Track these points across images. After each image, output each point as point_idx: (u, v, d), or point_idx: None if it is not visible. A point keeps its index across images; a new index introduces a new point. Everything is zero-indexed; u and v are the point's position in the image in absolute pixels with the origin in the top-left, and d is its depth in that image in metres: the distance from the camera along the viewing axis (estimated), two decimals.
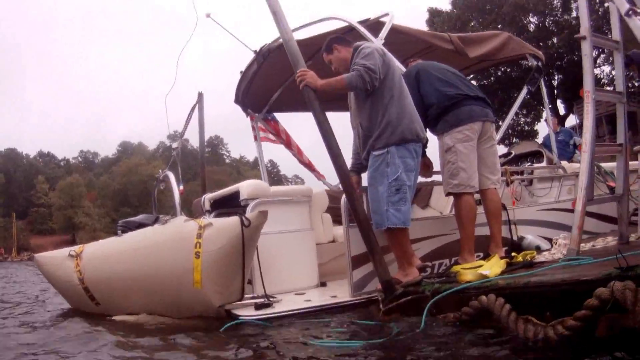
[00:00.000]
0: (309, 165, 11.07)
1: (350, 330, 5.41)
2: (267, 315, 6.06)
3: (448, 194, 6.82)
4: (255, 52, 8.61)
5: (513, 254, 6.39)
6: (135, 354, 4.61)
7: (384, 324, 5.36)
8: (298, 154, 11.02)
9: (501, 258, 5.95)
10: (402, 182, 5.98)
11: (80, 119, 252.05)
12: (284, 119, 11.06)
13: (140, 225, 7.03)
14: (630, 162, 6.66)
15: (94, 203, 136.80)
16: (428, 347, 4.26)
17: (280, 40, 6.87)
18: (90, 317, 6.62)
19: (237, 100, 10.30)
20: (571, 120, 35.64)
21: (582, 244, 5.74)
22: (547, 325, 3.92)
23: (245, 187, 7.33)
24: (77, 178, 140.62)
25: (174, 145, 9.58)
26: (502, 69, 37.52)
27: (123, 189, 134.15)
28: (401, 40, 7.64)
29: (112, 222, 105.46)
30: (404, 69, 6.97)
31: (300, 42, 6.49)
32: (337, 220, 8.21)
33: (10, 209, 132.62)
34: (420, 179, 6.95)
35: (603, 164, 9.51)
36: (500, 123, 9.40)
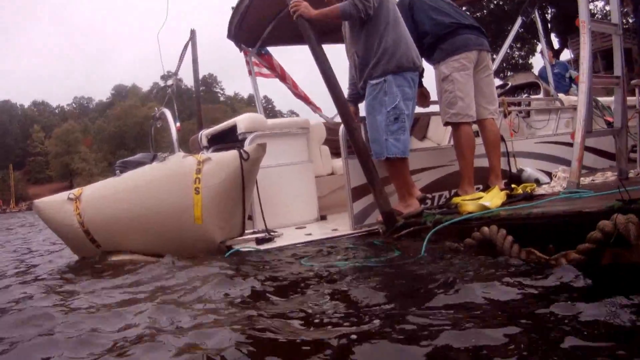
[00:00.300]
0: (304, 98, 11.02)
1: (351, 254, 5.42)
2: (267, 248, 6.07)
3: (446, 124, 6.76)
4: None
5: (513, 186, 6.39)
6: (137, 287, 4.61)
7: (387, 246, 5.44)
8: (293, 87, 10.96)
9: (501, 190, 5.96)
10: (400, 111, 5.94)
11: (72, 65, 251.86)
12: (278, 53, 11.00)
13: (139, 164, 6.98)
14: (627, 98, 6.61)
15: (90, 148, 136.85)
16: (428, 267, 4.29)
17: None
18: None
19: (229, 36, 10.20)
20: (566, 55, 35.43)
21: (581, 178, 5.72)
22: (550, 258, 3.93)
23: (242, 121, 7.30)
24: (72, 124, 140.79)
25: (169, 82, 9.53)
26: (495, 2, 37.22)
27: (119, 132, 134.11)
28: None
29: (109, 166, 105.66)
30: None
31: None
32: (334, 153, 8.21)
33: (7, 161, 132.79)
34: (418, 110, 6.90)
35: (599, 98, 9.48)
36: (495, 56, 9.34)
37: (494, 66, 8.18)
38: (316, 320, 3.09)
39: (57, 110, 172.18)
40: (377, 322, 2.90)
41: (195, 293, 4.04)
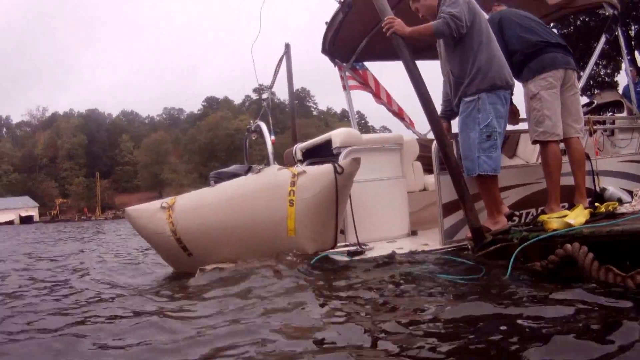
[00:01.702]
0: (398, 114, 11.04)
1: (440, 267, 5.50)
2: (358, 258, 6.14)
3: (534, 142, 6.78)
4: (339, 1, 8.56)
5: (596, 204, 6.37)
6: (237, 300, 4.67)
7: (474, 264, 5.45)
8: (388, 102, 10.98)
9: (585, 208, 5.93)
10: (493, 129, 5.98)
11: (164, 76, 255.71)
12: (373, 67, 11.03)
13: (233, 175, 7.07)
14: None
15: (180, 159, 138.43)
16: (512, 289, 4.33)
17: None
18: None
19: (324, 51, 10.29)
20: None
21: None
22: (626, 275, 3.96)
23: (338, 135, 7.34)
24: (163, 135, 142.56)
25: (264, 96, 9.69)
26: (581, 19, 36.57)
27: (210, 144, 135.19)
28: None
29: (200, 177, 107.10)
30: (486, 16, 6.88)
31: None
32: (426, 169, 8.20)
33: (94, 169, 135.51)
34: (507, 127, 6.90)
35: None
36: (581, 73, 9.24)
37: (581, 84, 8.16)
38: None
39: (146, 120, 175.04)
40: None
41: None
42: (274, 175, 6.51)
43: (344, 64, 10.64)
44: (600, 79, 39.26)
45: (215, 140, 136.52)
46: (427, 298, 4.16)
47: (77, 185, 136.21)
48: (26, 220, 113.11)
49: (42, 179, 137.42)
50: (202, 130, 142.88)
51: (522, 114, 6.93)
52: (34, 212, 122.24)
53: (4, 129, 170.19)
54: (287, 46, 11.21)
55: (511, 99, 6.45)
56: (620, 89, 14.59)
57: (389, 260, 5.88)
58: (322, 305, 3.96)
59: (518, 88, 6.65)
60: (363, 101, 11.32)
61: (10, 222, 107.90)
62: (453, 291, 4.42)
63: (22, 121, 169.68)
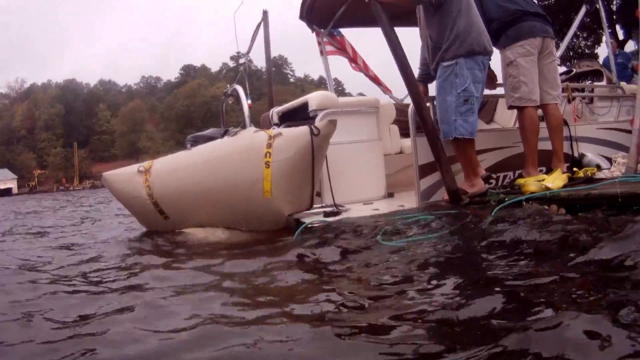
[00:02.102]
0: (375, 79, 11.06)
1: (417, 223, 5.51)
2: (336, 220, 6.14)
3: (510, 107, 6.87)
4: None
5: (574, 169, 6.49)
6: (217, 267, 4.69)
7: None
8: (364, 69, 10.99)
9: (563, 172, 6.02)
10: (470, 93, 6.04)
11: (141, 45, 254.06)
12: (350, 34, 11.02)
13: (210, 139, 7.07)
14: None
15: (157, 127, 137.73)
16: (493, 234, 4.39)
17: None
18: (161, 235, 6.79)
19: (301, 17, 10.25)
20: (630, 46, 34.83)
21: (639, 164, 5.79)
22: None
23: (314, 98, 7.34)
24: (139, 103, 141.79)
25: (241, 60, 9.60)
26: None
27: (187, 111, 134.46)
28: None
29: (177, 144, 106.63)
30: None
31: None
32: (403, 134, 8.23)
33: (71, 139, 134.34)
34: (486, 92, 6.94)
35: None
36: (561, 44, 9.28)
37: (559, 53, 8.22)
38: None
39: (124, 89, 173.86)
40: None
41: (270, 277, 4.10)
42: (250, 137, 6.54)
43: (322, 30, 10.61)
44: (580, 50, 39.42)
45: (192, 108, 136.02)
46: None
47: (54, 156, 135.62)
48: (5, 192, 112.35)
49: (20, 150, 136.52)
50: (179, 97, 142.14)
51: (500, 79, 6.97)
52: (13, 185, 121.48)
53: None
54: (265, 13, 11.17)
55: (489, 65, 6.51)
56: (601, 61, 14.72)
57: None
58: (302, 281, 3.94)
59: (496, 54, 6.71)
60: (340, 68, 11.32)
61: None
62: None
63: (0, 93, 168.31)
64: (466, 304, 2.78)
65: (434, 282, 3.38)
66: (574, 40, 30.06)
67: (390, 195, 7.56)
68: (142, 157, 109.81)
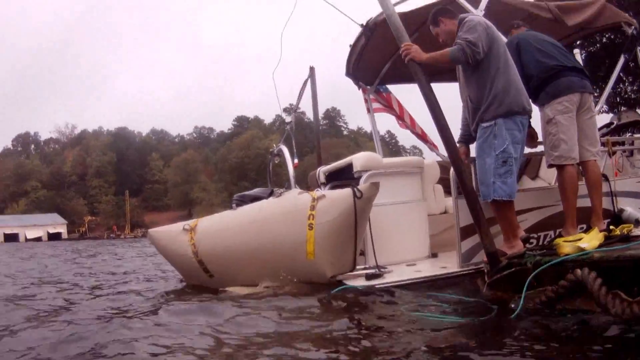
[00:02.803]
0: (421, 136, 11.08)
1: (453, 306, 5.48)
2: (378, 285, 6.15)
3: (550, 166, 6.83)
4: (362, 26, 8.63)
5: (611, 227, 6.38)
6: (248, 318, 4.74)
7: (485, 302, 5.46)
8: (411, 125, 11.03)
9: (600, 231, 5.93)
10: (508, 155, 6.02)
11: (194, 95, 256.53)
12: (399, 90, 11.08)
13: (255, 199, 7.17)
14: None
15: (210, 178, 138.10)
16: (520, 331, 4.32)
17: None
18: (205, 290, 6.86)
19: (348, 74, 10.37)
20: None
21: None
22: (633, 300, 3.97)
23: (358, 159, 7.41)
24: (193, 154, 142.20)
25: (288, 119, 9.68)
26: (607, 36, 36.28)
27: (240, 163, 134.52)
28: (501, 11, 7.55)
29: (230, 196, 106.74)
30: (505, 40, 6.93)
31: (404, 15, 6.55)
32: (448, 192, 8.23)
33: (123, 187, 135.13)
34: (530, 150, 6.94)
35: None
36: (604, 90, 9.26)
37: (600, 104, 8.16)
38: None
39: (176, 139, 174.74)
40: None
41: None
42: (294, 199, 6.61)
43: (368, 87, 10.70)
44: (626, 95, 38.99)
45: (246, 160, 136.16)
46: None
47: (106, 203, 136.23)
48: (54, 237, 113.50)
49: (71, 196, 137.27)
50: (233, 149, 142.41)
51: (540, 137, 6.94)
52: (63, 229, 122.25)
53: (32, 146, 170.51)
54: (312, 69, 11.28)
55: (529, 122, 6.51)
56: None
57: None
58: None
59: (536, 111, 6.71)
60: (394, 121, 11.33)
61: (39, 239, 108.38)
62: (460, 332, 4.48)
63: (51, 138, 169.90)
64: None
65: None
66: (619, 85, 29.73)
67: (434, 255, 7.58)
68: (195, 208, 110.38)
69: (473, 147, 6.73)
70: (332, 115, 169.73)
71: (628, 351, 3.38)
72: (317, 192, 6.61)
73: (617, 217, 7.32)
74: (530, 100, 6.48)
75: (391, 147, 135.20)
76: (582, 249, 5.13)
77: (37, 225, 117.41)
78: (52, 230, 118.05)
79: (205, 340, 3.93)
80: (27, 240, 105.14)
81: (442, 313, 5.11)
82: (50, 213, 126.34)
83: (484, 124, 6.14)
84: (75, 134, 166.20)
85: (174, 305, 5.62)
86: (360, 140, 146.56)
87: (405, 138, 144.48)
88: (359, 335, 4.10)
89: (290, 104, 11.99)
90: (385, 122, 11.11)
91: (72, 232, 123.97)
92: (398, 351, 3.64)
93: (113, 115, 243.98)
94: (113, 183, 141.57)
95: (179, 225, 7.09)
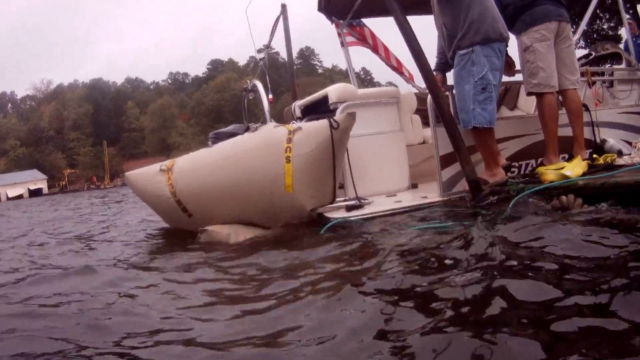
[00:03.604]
0: (397, 68, 11.00)
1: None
2: (360, 217, 6.11)
3: (529, 94, 6.84)
4: None
5: (594, 156, 6.48)
6: (244, 266, 4.71)
7: (474, 210, 5.55)
8: (386, 58, 10.94)
9: (584, 160, 5.98)
10: (487, 81, 6.02)
11: (166, 43, 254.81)
12: (374, 24, 10.98)
13: (231, 135, 7.09)
14: None
15: (187, 122, 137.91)
16: (510, 227, 4.31)
17: None
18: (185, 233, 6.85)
19: (320, 9, 10.26)
20: None
21: None
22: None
23: (334, 91, 7.33)
24: (168, 99, 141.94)
25: (260, 55, 9.58)
26: None
27: (216, 106, 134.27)
28: None
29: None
30: None
31: None
32: (426, 123, 8.18)
33: (100, 138, 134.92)
34: (508, 79, 6.90)
35: None
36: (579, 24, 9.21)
37: (576, 37, 8.11)
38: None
39: (151, 86, 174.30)
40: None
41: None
42: (270, 132, 6.54)
43: (341, 21, 10.59)
44: (603, 32, 38.97)
45: (222, 102, 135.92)
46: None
47: (84, 155, 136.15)
48: (35, 193, 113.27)
49: (50, 151, 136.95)
50: (209, 92, 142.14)
51: (518, 66, 6.92)
52: (43, 185, 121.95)
53: (9, 105, 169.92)
54: (284, 6, 11.18)
55: (506, 51, 6.46)
56: (623, 44, 14.50)
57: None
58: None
59: (512, 40, 6.67)
60: (369, 57, 11.27)
61: (20, 197, 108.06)
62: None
63: (27, 95, 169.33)
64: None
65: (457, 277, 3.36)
66: (596, 22, 29.71)
67: (414, 186, 7.56)
68: (173, 153, 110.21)
69: (450, 75, 6.69)
70: (307, 55, 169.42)
71: None
72: (293, 125, 6.54)
73: (599, 148, 7.33)
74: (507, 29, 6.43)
75: (366, 83, 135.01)
76: (566, 177, 5.18)
77: (18, 184, 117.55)
78: (32, 187, 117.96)
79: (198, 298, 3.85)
80: (8, 199, 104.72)
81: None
82: (30, 170, 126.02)
83: (461, 52, 6.13)
84: (51, 89, 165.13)
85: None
86: (336, 78, 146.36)
87: (381, 73, 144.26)
88: (363, 264, 4.06)
89: (264, 44, 11.85)
90: (360, 59, 11.06)
91: (53, 187, 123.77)
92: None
93: (89, 68, 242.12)
94: (90, 134, 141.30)
95: (156, 167, 7.01)
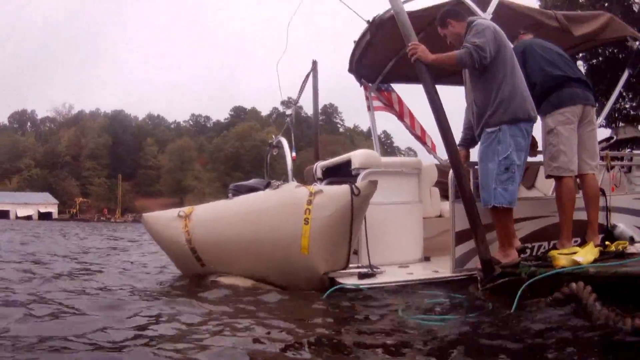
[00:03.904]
0: (421, 138, 11.05)
1: (447, 305, 5.50)
2: (369, 285, 6.13)
3: (548, 177, 6.84)
4: (368, 22, 8.60)
5: (607, 242, 6.36)
6: (237, 318, 4.71)
7: (481, 301, 5.50)
8: (410, 126, 10.99)
9: (596, 246, 5.93)
10: (511, 161, 6.00)
11: (193, 82, 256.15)
12: (402, 89, 11.05)
13: (252, 190, 7.14)
14: None
15: (204, 167, 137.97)
16: (516, 328, 4.33)
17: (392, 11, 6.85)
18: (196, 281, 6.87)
19: (350, 70, 10.35)
20: None
21: None
22: (627, 315, 3.92)
23: (357, 156, 7.38)
24: (188, 141, 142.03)
25: (288, 112, 9.65)
26: (610, 50, 36.20)
27: (235, 153, 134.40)
28: (508, 16, 7.51)
29: (223, 186, 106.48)
30: (511, 45, 6.91)
31: (412, 14, 6.48)
32: (444, 196, 8.22)
33: (116, 171, 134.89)
34: (529, 159, 6.93)
35: None
36: (604, 104, 9.24)
37: (601, 118, 8.18)
38: None
39: (172, 126, 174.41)
40: None
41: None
42: (291, 192, 6.57)
43: (370, 84, 10.68)
44: (625, 111, 38.98)
45: (241, 150, 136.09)
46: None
47: (98, 186, 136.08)
48: (45, 216, 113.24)
49: (64, 176, 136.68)
50: (229, 138, 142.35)
51: (540, 146, 6.92)
52: (54, 209, 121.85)
53: (29, 123, 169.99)
54: (314, 63, 11.26)
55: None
56: None
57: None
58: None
59: (537, 121, 6.70)
60: (390, 121, 11.28)
61: (29, 217, 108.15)
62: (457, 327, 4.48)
63: (47, 117, 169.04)
64: None
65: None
66: (619, 101, 29.76)
67: (426, 259, 7.55)
68: (186, 196, 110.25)
69: (473, 152, 6.72)
70: (329, 112, 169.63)
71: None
72: (315, 187, 6.58)
73: (609, 233, 7.32)
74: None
75: (386, 147, 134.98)
76: (577, 263, 5.14)
77: (29, 204, 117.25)
78: (43, 210, 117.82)
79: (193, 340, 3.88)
80: (17, 218, 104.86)
81: (437, 313, 5.12)
82: (42, 192, 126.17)
83: (489, 130, 6.11)
84: (72, 114, 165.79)
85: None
86: (356, 138, 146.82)
87: (401, 139, 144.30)
88: (353, 335, 4.07)
89: (289, 97, 11.95)
90: (382, 123, 11.09)
91: (63, 213, 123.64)
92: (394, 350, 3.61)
93: (111, 98, 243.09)
94: (106, 166, 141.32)
95: (174, 212, 7.05)
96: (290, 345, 3.64)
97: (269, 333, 3.96)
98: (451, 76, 8.77)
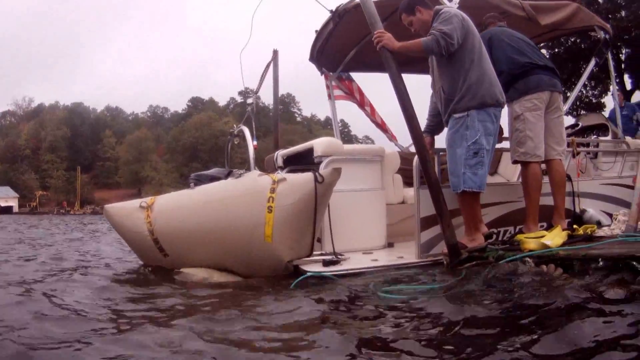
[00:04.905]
0: (381, 126, 11.08)
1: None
2: (335, 272, 6.11)
3: (515, 162, 6.90)
4: (331, 11, 8.56)
5: (574, 226, 6.52)
6: (205, 312, 4.65)
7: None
8: (371, 114, 11.02)
9: (563, 230, 6.02)
10: (480, 146, 6.01)
11: (149, 75, 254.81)
12: (360, 79, 11.05)
13: (213, 179, 7.08)
14: None
15: (162, 158, 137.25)
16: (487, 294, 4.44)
17: (357, 0, 6.84)
18: (158, 271, 6.79)
19: (311, 59, 10.33)
20: (637, 96, 34.92)
21: None
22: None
23: (320, 144, 7.36)
24: (146, 132, 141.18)
25: (249, 100, 9.58)
26: (572, 40, 36.53)
27: (193, 144, 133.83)
28: (474, 5, 7.51)
29: (181, 177, 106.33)
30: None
31: (377, 3, 6.44)
32: (406, 182, 8.23)
33: (75, 163, 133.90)
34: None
35: None
36: (569, 94, 9.32)
37: (566, 106, 8.22)
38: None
39: (130, 117, 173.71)
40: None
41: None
42: (253, 180, 6.53)
43: (331, 73, 10.66)
44: (587, 100, 39.39)
45: (200, 141, 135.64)
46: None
47: (57, 179, 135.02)
48: (5, 210, 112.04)
49: (24, 170, 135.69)
50: (187, 129, 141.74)
51: (506, 132, 6.98)
52: (14, 203, 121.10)
53: None
54: (275, 52, 11.26)
55: None
56: (607, 111, 14.68)
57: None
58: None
59: (504, 106, 6.73)
60: (347, 110, 11.31)
61: None
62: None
63: (8, 111, 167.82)
64: None
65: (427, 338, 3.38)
66: (582, 90, 30.12)
67: (390, 245, 7.57)
68: (145, 187, 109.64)
69: (438, 139, 6.75)
70: (287, 101, 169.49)
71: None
72: (278, 175, 6.54)
73: (578, 218, 7.39)
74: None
75: (344, 135, 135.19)
76: (546, 246, 5.19)
77: None
78: (3, 204, 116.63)
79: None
80: None
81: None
82: (3, 186, 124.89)
83: (457, 115, 6.13)
84: (32, 108, 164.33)
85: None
86: (314, 127, 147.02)
87: (358, 128, 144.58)
88: (330, 322, 4.05)
89: (247, 88, 11.85)
90: (340, 112, 11.09)
91: (23, 207, 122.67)
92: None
93: (71, 91, 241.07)
94: (65, 158, 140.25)
95: (136, 202, 6.97)
96: (272, 338, 3.60)
97: (248, 328, 3.89)
98: (416, 63, 8.78)
